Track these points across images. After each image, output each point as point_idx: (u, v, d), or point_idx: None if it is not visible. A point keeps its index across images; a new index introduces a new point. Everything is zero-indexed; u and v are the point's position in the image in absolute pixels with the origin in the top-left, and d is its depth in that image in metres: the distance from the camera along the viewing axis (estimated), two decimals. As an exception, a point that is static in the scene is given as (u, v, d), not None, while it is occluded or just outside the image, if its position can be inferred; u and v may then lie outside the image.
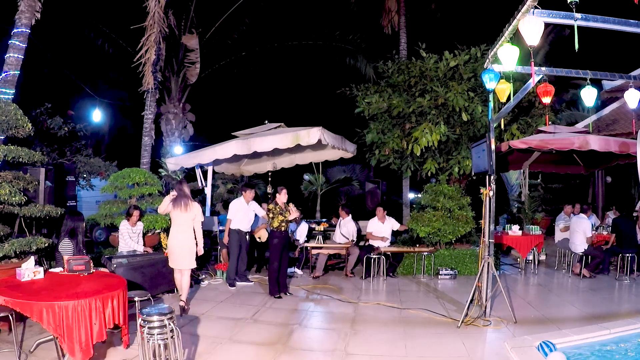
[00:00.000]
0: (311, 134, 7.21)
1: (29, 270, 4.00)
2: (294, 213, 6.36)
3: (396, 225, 7.94)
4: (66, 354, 3.34)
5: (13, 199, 5.22)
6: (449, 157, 8.96)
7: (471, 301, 5.13)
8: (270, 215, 6.36)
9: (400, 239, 8.64)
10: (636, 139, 5.31)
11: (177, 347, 3.33)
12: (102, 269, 5.03)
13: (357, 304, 5.89)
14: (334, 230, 8.34)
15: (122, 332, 3.89)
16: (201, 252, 5.61)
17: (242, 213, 7.02)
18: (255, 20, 14.59)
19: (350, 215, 8.12)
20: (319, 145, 7.88)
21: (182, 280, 5.42)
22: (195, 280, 6.96)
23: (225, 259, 7.74)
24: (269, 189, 9.95)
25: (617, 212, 8.59)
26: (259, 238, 8.05)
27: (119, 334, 4.02)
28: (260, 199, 14.42)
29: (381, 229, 7.82)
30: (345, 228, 8.04)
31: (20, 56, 7.16)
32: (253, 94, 18.80)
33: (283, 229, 6.33)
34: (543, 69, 4.93)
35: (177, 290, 5.72)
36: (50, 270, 4.39)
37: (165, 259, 5.80)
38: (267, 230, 7.97)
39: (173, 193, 5.44)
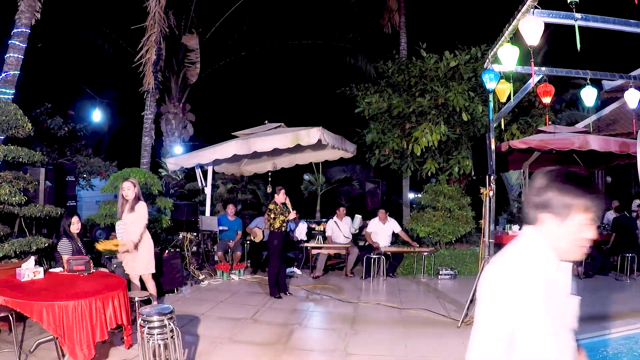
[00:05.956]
0: (311, 134, 7.20)
1: (29, 270, 4.00)
2: (292, 213, 6.35)
3: (397, 228, 7.92)
4: (66, 354, 3.34)
5: (13, 199, 5.22)
6: (449, 157, 8.96)
7: (471, 301, 5.12)
8: (272, 215, 6.24)
9: (401, 239, 8.64)
10: (636, 139, 5.31)
11: (177, 347, 3.33)
12: (102, 269, 5.03)
13: (357, 304, 5.90)
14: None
15: (125, 332, 3.89)
16: None
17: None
18: (255, 20, 14.57)
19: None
20: (319, 145, 7.87)
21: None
22: (195, 280, 6.98)
23: (222, 259, 7.76)
24: (269, 189, 9.96)
25: (616, 212, 8.58)
26: (254, 237, 8.09)
27: (120, 333, 4.03)
28: (260, 198, 14.45)
29: (382, 229, 7.81)
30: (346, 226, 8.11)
31: (20, 56, 7.16)
32: (253, 94, 18.77)
33: (284, 229, 6.31)
34: (543, 69, 4.94)
35: (154, 297, 4.89)
36: (50, 270, 4.40)
37: (165, 259, 5.78)
38: (260, 229, 8.03)
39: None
